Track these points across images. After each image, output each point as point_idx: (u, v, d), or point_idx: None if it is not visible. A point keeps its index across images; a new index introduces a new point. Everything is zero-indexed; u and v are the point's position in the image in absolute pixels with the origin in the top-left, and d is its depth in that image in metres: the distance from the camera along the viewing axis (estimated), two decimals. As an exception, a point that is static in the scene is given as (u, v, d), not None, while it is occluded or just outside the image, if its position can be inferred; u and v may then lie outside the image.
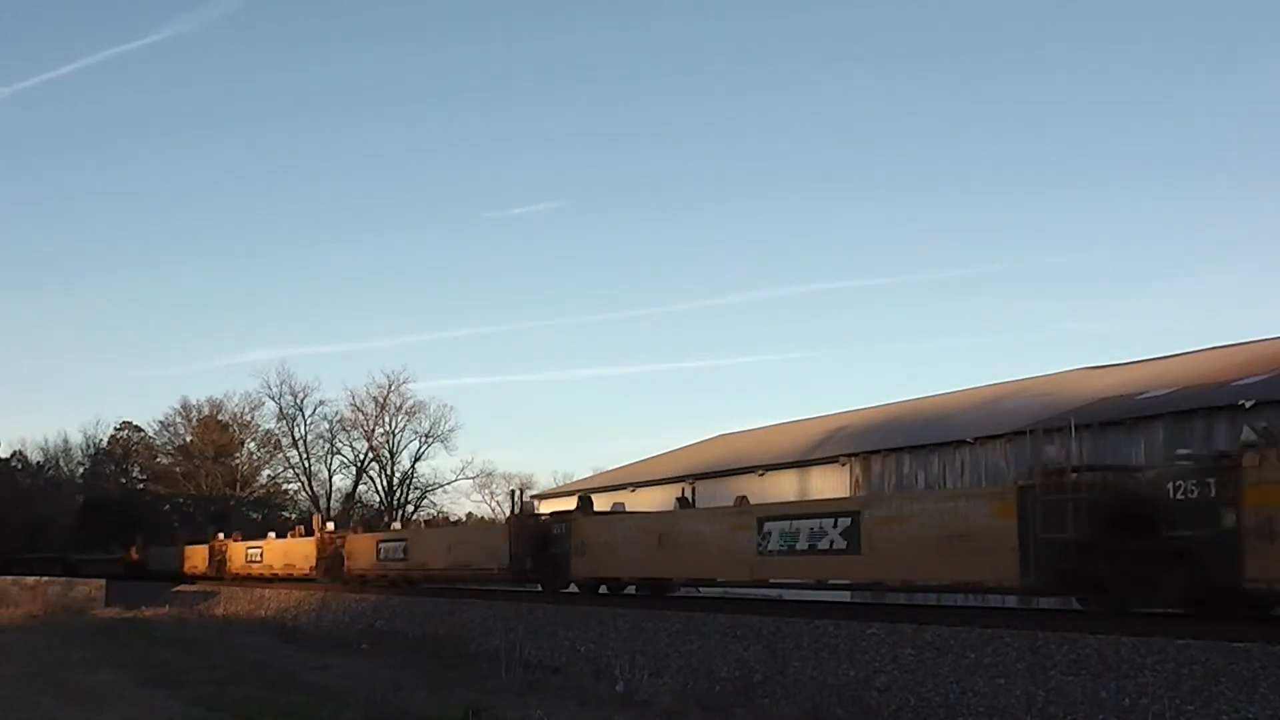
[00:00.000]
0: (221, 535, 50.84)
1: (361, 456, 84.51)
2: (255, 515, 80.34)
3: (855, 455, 33.81)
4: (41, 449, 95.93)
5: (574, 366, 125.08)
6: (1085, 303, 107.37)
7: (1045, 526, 15.43)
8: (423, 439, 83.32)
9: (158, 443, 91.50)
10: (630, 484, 43.42)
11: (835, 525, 19.09)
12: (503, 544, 28.89)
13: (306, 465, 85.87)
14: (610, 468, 55.29)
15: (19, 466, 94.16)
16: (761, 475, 36.44)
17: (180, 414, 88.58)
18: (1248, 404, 23.64)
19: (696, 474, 40.29)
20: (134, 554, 60.41)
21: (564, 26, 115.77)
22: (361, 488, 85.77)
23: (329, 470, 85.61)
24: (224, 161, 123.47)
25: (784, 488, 34.79)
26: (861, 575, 19.30)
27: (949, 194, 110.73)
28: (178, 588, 46.74)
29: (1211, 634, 12.77)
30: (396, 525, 41.58)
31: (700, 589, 26.19)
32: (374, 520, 67.79)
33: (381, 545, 37.01)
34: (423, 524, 41.72)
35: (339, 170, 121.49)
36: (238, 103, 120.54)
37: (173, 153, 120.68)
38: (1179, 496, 14.10)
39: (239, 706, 15.20)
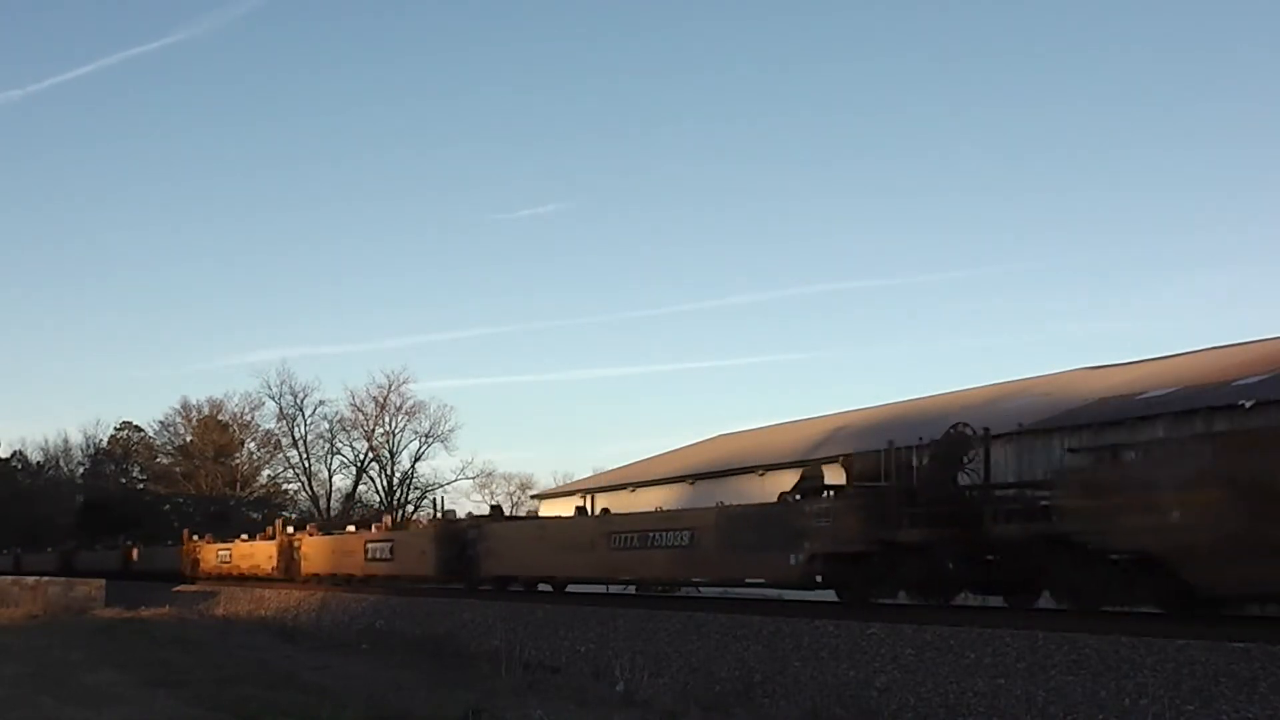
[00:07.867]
0: (196, 537, 52.11)
1: (361, 456, 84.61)
2: (255, 515, 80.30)
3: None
4: (41, 449, 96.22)
5: (574, 366, 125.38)
6: (1085, 303, 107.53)
7: None
8: (423, 439, 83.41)
9: (158, 443, 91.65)
10: (630, 484, 43.34)
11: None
12: (432, 547, 31.32)
13: (306, 465, 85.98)
14: (610, 468, 55.29)
15: (19, 466, 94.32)
16: (762, 475, 36.36)
17: (180, 414, 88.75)
18: (1248, 404, 23.63)
19: (697, 474, 40.26)
20: (133, 555, 60.56)
21: (570, 28, 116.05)
22: (361, 488, 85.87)
23: (329, 470, 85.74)
24: (225, 161, 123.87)
25: (784, 488, 34.64)
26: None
27: (950, 194, 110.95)
28: (178, 588, 46.79)
29: (1211, 634, 12.77)
30: (350, 528, 42.66)
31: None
32: (371, 520, 67.82)
33: (334, 548, 38.18)
34: (372, 527, 42.91)
35: (342, 170, 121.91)
36: (241, 104, 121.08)
37: (173, 153, 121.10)
38: None
39: (239, 706, 15.20)
